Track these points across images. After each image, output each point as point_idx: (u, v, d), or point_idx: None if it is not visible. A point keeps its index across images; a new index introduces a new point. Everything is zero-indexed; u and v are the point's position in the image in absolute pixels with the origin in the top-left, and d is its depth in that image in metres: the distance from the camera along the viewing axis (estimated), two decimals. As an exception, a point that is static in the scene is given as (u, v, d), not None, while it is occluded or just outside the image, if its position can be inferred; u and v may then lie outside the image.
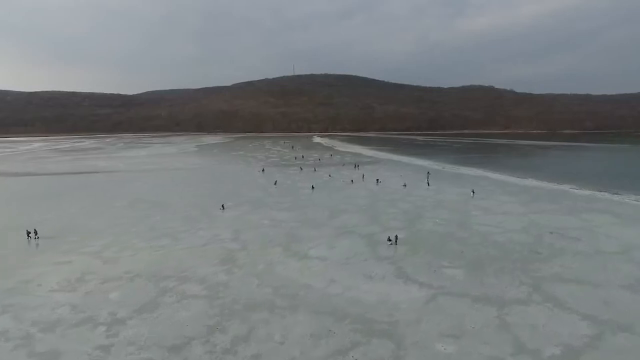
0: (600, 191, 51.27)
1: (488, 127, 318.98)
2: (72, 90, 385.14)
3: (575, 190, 52.12)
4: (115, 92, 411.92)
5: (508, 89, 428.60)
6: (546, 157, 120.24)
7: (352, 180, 58.22)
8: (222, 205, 41.15)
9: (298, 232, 32.63)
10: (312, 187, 52.36)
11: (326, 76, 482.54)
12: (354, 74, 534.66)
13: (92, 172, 72.47)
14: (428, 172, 66.83)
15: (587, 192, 50.52)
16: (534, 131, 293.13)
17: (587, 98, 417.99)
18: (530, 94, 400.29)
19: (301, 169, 73.85)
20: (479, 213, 38.88)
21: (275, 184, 56.08)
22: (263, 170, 70.88)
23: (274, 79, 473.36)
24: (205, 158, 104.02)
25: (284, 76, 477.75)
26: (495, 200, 44.74)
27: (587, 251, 27.47)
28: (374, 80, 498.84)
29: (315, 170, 71.41)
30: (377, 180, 57.94)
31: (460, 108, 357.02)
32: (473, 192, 48.21)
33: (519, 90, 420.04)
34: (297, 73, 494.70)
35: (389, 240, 29.76)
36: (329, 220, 36.57)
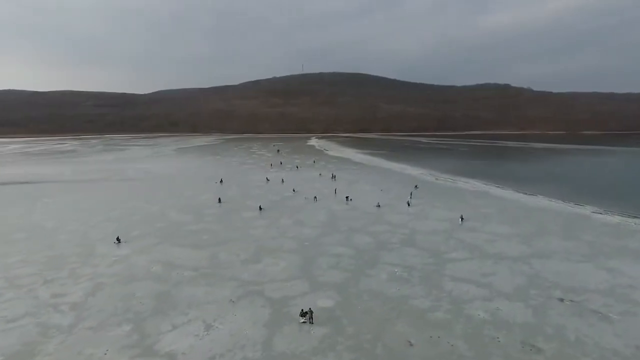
0: (634, 217, 39.20)
1: (501, 128, 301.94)
2: (85, 90, 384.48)
3: (599, 215, 40.06)
4: (128, 92, 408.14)
5: (525, 87, 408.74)
6: (563, 163, 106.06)
7: (315, 198, 47.37)
8: (117, 238, 31.11)
9: (180, 292, 22.22)
10: (260, 208, 41.91)
11: (334, 74, 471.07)
12: (366, 72, 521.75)
13: (21, 183, 62.02)
14: (415, 186, 55.55)
15: (615, 219, 38.45)
16: (552, 132, 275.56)
17: (611, 97, 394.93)
18: (549, 93, 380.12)
19: (267, 179, 63.29)
20: (460, 255, 27.81)
21: (219, 201, 45.80)
22: (221, 181, 60.54)
23: (280, 77, 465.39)
24: (172, 164, 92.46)
25: (291, 75, 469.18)
26: (488, 233, 33.43)
27: (619, 347, 16.26)
28: (384, 78, 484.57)
29: (282, 182, 60.76)
30: (347, 197, 46.98)
31: (472, 107, 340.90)
32: (462, 219, 37.07)
33: (537, 88, 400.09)
34: (308, 72, 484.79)
35: (303, 315, 19.10)
36: (242, 266, 26.06)
